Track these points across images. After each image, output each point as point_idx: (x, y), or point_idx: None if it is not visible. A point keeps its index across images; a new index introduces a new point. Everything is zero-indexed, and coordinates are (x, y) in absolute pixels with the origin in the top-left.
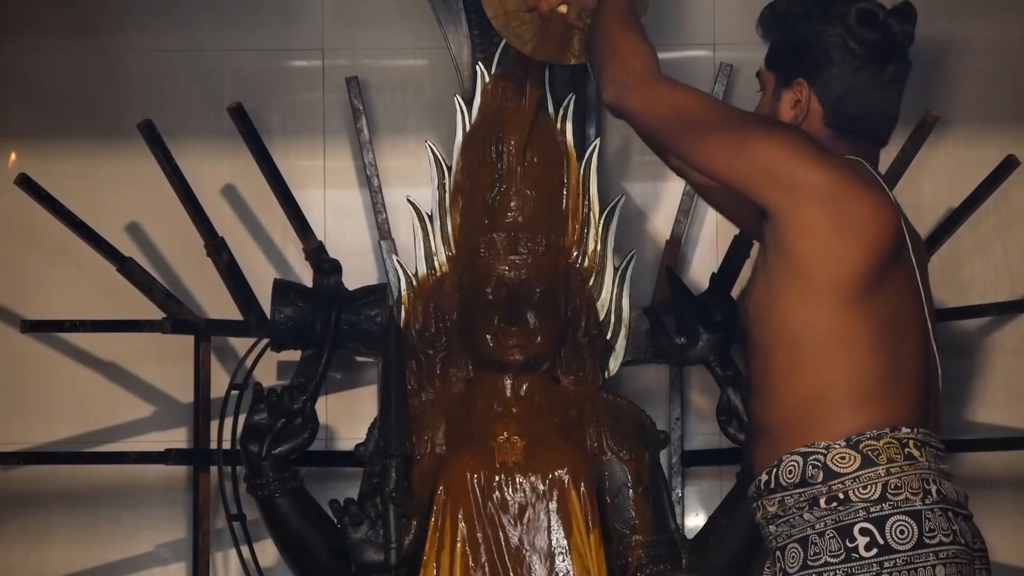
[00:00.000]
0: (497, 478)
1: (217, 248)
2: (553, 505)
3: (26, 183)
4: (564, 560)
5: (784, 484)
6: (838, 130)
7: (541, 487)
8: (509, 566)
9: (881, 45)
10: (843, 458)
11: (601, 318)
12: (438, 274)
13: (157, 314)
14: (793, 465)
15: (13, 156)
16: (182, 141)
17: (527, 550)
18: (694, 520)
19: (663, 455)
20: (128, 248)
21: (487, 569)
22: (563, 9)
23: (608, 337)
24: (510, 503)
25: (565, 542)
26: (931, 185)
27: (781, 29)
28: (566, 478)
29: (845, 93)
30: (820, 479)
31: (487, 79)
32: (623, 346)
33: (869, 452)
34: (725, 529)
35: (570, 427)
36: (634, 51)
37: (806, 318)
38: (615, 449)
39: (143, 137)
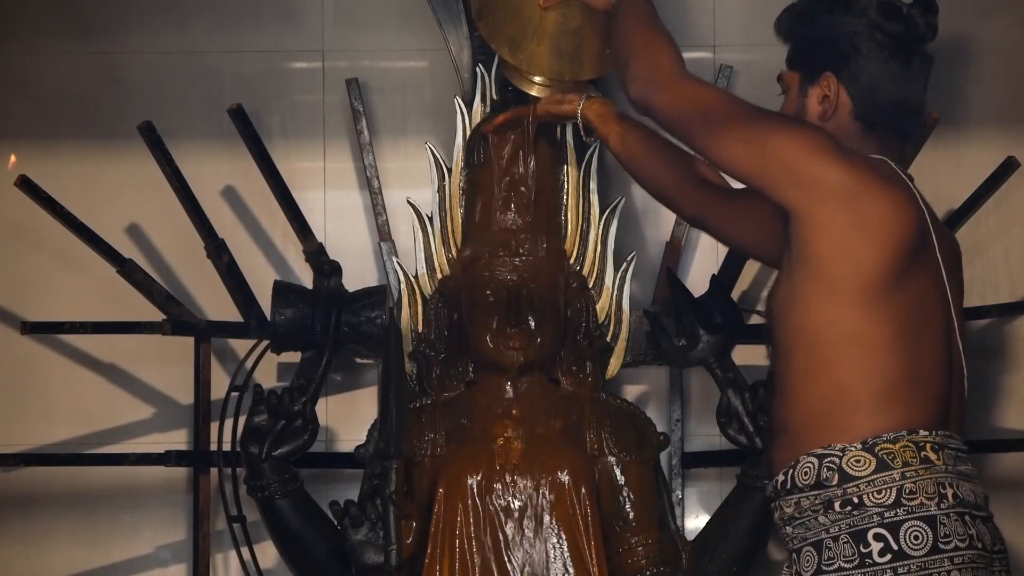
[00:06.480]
0: (497, 480)
1: (217, 250)
2: (553, 507)
3: (26, 185)
4: (564, 562)
5: (800, 485)
6: (866, 123)
7: (541, 489)
8: (509, 568)
9: (906, 36)
10: (858, 461)
11: (601, 320)
12: (438, 276)
13: (157, 316)
14: (809, 466)
15: (13, 158)
16: (182, 143)
17: (527, 552)
18: (694, 521)
19: (663, 457)
20: (128, 250)
21: (487, 571)
22: None
23: (608, 339)
24: (510, 505)
25: (565, 544)
26: (931, 187)
27: (804, 26)
28: (566, 480)
29: (875, 84)
30: (835, 482)
31: (487, 81)
32: (623, 348)
33: (884, 455)
34: (725, 530)
35: (570, 429)
36: (661, 49)
37: (825, 317)
38: (615, 451)
39: (143, 139)
